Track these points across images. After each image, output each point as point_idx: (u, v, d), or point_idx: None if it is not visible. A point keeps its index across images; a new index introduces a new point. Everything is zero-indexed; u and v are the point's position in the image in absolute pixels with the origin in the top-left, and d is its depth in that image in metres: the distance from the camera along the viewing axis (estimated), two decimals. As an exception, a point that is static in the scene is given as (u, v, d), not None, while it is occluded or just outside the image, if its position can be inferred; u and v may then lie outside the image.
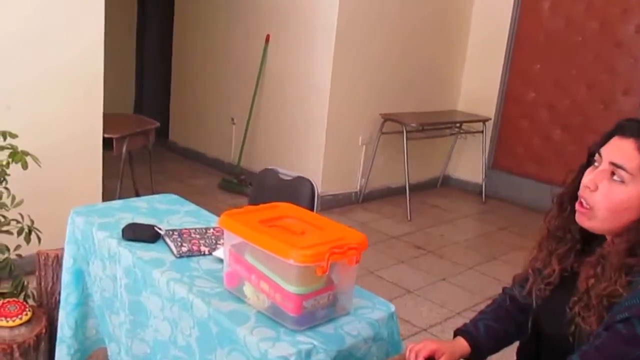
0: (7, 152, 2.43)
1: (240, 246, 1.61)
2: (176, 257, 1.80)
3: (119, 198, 3.82)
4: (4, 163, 2.37)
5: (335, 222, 1.69)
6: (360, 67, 4.83)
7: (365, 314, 1.64)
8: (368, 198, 5.18)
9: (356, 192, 5.14)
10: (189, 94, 6.02)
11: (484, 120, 5.50)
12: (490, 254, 4.33)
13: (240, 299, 1.61)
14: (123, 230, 1.89)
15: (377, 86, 5.01)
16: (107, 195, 3.57)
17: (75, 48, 3.24)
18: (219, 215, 1.67)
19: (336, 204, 4.90)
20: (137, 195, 4.33)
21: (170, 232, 1.91)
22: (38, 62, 3.13)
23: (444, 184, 5.98)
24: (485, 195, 5.59)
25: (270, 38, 5.03)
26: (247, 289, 1.59)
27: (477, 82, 5.73)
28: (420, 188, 5.54)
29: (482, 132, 5.51)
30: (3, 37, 2.99)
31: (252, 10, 5.18)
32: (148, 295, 1.77)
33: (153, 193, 4.33)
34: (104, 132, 3.47)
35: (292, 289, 1.49)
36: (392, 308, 1.70)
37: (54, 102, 3.22)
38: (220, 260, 1.78)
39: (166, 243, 1.87)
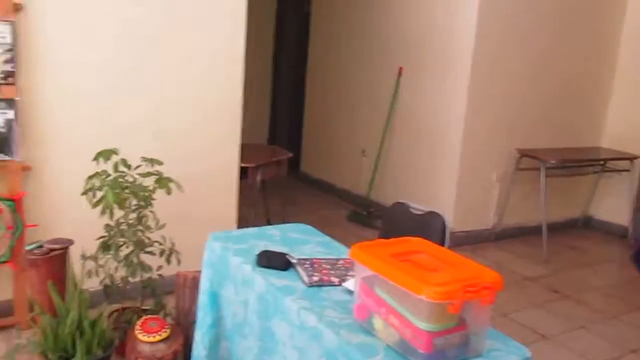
0: (153, 177, 2.63)
1: (371, 279, 1.59)
2: (307, 286, 1.82)
3: (252, 225, 3.98)
4: (151, 188, 2.55)
5: (468, 259, 1.62)
6: (497, 99, 4.69)
7: (499, 357, 1.55)
8: (501, 236, 4.96)
9: (489, 230, 4.94)
10: (321, 124, 6.18)
11: (632, 159, 5.09)
12: (635, 302, 3.96)
13: (369, 331, 1.59)
14: (257, 257, 1.95)
15: (513, 119, 4.83)
16: (241, 222, 3.72)
17: (217, 81, 3.45)
18: (349, 247, 1.67)
19: (467, 241, 4.75)
20: (269, 222, 4.48)
21: (302, 261, 1.94)
22: (184, 95, 3.37)
23: (585, 225, 5.59)
24: (631, 238, 5.14)
25: (403, 70, 5.04)
26: (377, 322, 1.57)
27: (625, 117, 5.33)
28: (559, 228, 5.22)
29: (630, 170, 5.10)
30: (151, 73, 3.26)
31: (385, 43, 5.23)
32: (278, 322, 1.80)
33: (284, 221, 4.46)
34: (241, 161, 3.64)
35: (423, 325, 1.45)
36: (528, 353, 1.59)
37: (196, 132, 3.43)
38: (350, 292, 1.78)
39: (297, 272, 1.90)
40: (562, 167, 4.74)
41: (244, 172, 3.81)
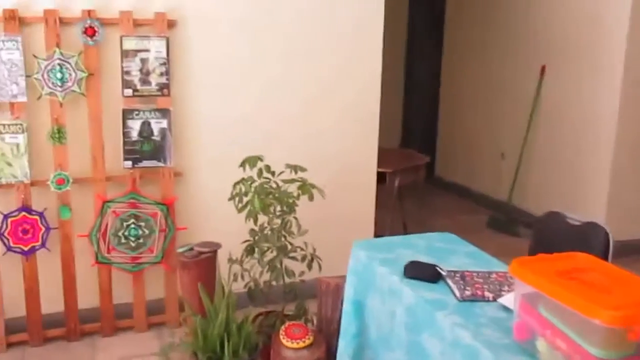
0: (296, 184, 2.65)
1: (533, 297, 1.47)
2: (459, 300, 1.73)
3: (389, 230, 3.93)
4: (294, 194, 2.58)
5: (645, 278, 1.45)
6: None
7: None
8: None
9: (649, 240, 4.50)
10: (456, 126, 5.99)
11: None
12: None
13: (532, 354, 1.47)
14: (405, 267, 1.88)
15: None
16: (378, 227, 3.68)
17: (356, 86, 3.44)
18: (493, 256, 1.56)
19: (624, 252, 4.34)
20: (405, 227, 4.41)
21: (452, 274, 1.85)
22: (324, 100, 3.39)
23: None
24: None
25: (547, 69, 4.74)
26: (541, 345, 1.45)
27: None
28: None
29: None
30: (292, 80, 3.31)
31: (527, 39, 4.96)
32: (428, 337, 1.73)
33: (423, 228, 4.36)
34: (377, 166, 3.60)
35: (595, 352, 1.31)
36: None
37: (335, 137, 3.44)
38: (506, 309, 1.66)
39: (447, 284, 1.82)
40: None
41: (381, 177, 3.77)
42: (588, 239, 2.17)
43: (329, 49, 3.35)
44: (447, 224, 4.69)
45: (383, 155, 3.70)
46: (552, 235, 2.30)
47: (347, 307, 2.19)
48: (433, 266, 1.88)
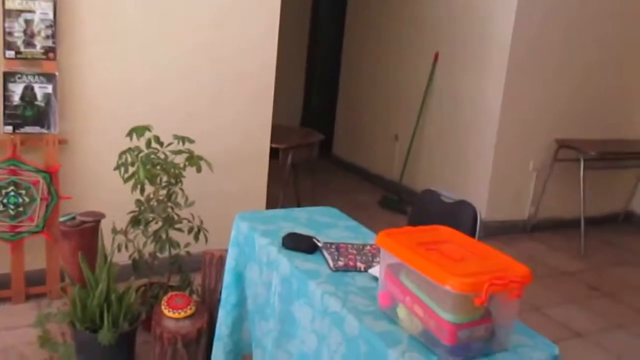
0: (184, 155, 2.63)
1: (396, 267, 1.56)
2: (332, 270, 1.80)
3: (282, 206, 3.97)
4: (181, 166, 2.56)
5: (498, 251, 1.57)
6: (536, 87, 4.56)
7: (525, 352, 1.50)
8: (537, 228, 4.86)
9: (524, 221, 4.84)
10: (354, 108, 6.13)
11: (678, 153, 4.91)
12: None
13: (393, 320, 1.56)
14: (283, 239, 1.93)
15: (553, 109, 4.69)
16: (270, 203, 3.72)
17: (251, 58, 3.43)
18: (377, 233, 1.64)
19: (501, 232, 4.65)
20: (299, 205, 4.47)
21: (328, 245, 1.92)
22: (215, 72, 3.36)
23: (626, 220, 5.43)
24: (674, 236, 4.97)
25: (439, 56, 4.94)
26: (401, 311, 1.54)
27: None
28: (598, 222, 5.07)
29: (675, 165, 4.93)
30: (185, 50, 3.26)
31: (423, 26, 5.14)
32: (300, 306, 1.78)
33: (314, 205, 4.44)
34: (271, 142, 3.62)
35: (447, 316, 1.41)
36: (556, 350, 1.54)
37: (227, 110, 3.43)
38: (375, 279, 1.75)
39: (323, 255, 1.88)
40: (602, 159, 4.59)
41: (275, 153, 3.80)
42: (459, 215, 2.31)
43: (227, 19, 3.32)
44: (342, 201, 4.81)
45: (279, 132, 3.73)
46: (427, 212, 2.43)
47: (227, 278, 2.21)
48: (310, 238, 1.93)
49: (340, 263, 1.82)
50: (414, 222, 2.38)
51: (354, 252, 1.91)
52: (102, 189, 3.13)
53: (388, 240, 1.57)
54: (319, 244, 1.91)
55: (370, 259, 1.88)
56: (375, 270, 1.79)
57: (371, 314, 1.59)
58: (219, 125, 3.41)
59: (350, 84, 6.21)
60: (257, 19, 3.39)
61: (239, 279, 2.19)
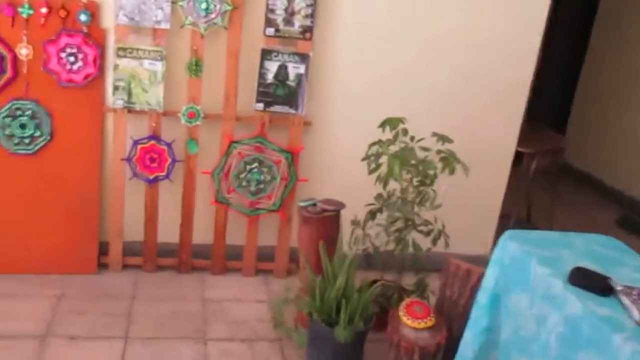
0: (439, 155, 2.44)
1: None
2: (638, 323, 1.50)
3: (514, 217, 3.64)
4: (438, 167, 2.37)
5: None
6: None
7: None
8: None
9: None
10: (596, 107, 5.43)
11: None
12: None
13: None
14: (571, 273, 1.66)
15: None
16: (502, 210, 3.41)
17: (508, 56, 3.13)
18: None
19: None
20: (529, 215, 4.10)
21: (629, 290, 1.61)
22: (469, 64, 3.11)
23: None
24: None
25: None
26: None
27: None
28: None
29: None
30: (445, 47, 3.06)
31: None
32: (589, 357, 1.51)
33: (548, 217, 4.03)
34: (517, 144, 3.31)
35: None
36: None
37: (477, 109, 3.17)
38: None
39: (621, 302, 1.58)
40: None
41: (518, 158, 3.46)
42: None
43: (484, 14, 3.04)
44: (574, 217, 4.33)
45: (522, 132, 3.38)
46: None
47: (482, 298, 2.00)
48: (605, 278, 1.64)
49: (647, 315, 1.51)
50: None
51: (660, 302, 1.58)
52: (339, 177, 3.08)
53: None
54: (617, 287, 1.61)
55: (682, 315, 1.54)
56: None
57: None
58: (467, 123, 3.14)
59: (592, 80, 5.50)
60: (521, 11, 3.07)
61: (495, 301, 1.97)
